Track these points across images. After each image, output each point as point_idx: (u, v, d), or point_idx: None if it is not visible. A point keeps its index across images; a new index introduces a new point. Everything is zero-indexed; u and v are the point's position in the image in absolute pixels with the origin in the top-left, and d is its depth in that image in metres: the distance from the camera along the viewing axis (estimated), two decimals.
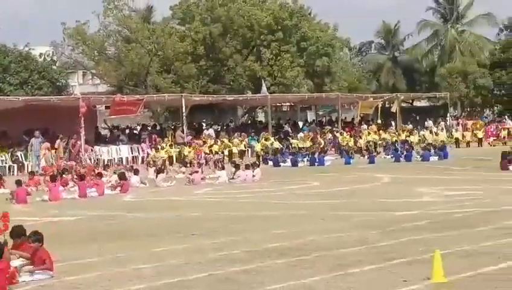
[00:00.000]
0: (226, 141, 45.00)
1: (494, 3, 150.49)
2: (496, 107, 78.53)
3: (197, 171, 32.12)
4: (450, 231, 15.77)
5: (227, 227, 17.67)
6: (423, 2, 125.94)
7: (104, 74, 61.33)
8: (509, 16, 78.43)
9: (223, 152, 42.69)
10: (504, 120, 62.11)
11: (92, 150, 40.55)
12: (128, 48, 56.77)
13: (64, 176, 30.72)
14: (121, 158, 42.46)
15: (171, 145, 42.78)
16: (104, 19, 57.07)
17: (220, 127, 54.68)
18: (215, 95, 53.97)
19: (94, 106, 45.94)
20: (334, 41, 64.51)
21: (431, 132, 53.29)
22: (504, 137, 53.99)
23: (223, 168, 32.98)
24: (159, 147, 42.31)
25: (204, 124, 52.85)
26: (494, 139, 53.75)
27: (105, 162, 39.89)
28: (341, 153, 44.16)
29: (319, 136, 48.41)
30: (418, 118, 58.36)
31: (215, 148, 43.36)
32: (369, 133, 50.32)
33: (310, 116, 72.28)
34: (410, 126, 54.91)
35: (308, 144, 46.89)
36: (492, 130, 56.10)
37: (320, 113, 73.56)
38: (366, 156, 41.99)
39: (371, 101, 56.05)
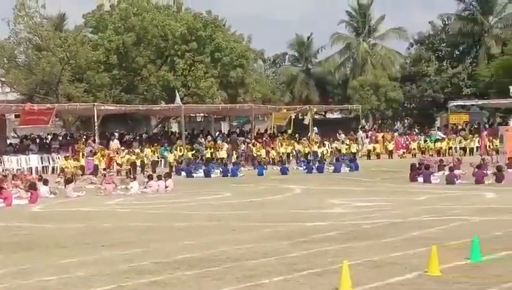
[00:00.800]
0: (138, 151, 44.61)
1: (405, 19, 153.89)
2: (406, 120, 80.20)
3: (108, 182, 31.74)
4: (359, 241, 15.95)
5: (138, 238, 17.48)
6: (336, 15, 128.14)
7: (14, 82, 59.97)
8: (419, 31, 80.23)
9: (134, 162, 42.39)
10: (414, 132, 63.35)
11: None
12: (39, 56, 55.71)
13: None
14: (31, 168, 41.69)
15: (82, 155, 42.22)
16: (14, 26, 55.87)
17: (133, 137, 54.25)
18: (127, 105, 53.52)
19: (3, 115, 44.97)
20: (248, 53, 64.65)
21: (343, 142, 53.95)
22: (414, 149, 54.98)
23: (134, 178, 32.71)
24: (69, 156, 41.74)
25: (116, 134, 52.21)
26: (403, 152, 54.72)
27: (15, 172, 39.03)
28: (254, 164, 44.34)
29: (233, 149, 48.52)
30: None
31: (126, 158, 42.95)
32: (281, 144, 50.58)
33: (224, 127, 72.43)
34: (318, 138, 55.30)
35: (224, 154, 46.95)
36: (402, 142, 57.12)
37: (234, 124, 73.77)
38: (278, 167, 42.23)
39: (284, 113, 56.42)
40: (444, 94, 70.98)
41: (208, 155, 47.04)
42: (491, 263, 13.25)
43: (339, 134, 57.31)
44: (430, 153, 52.72)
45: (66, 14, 69.22)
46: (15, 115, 53.04)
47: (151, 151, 45.19)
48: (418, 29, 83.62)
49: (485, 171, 31.76)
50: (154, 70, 60.64)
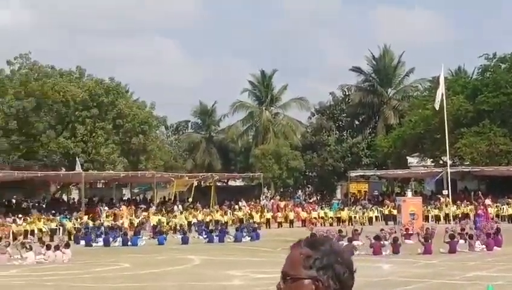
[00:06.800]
0: (35, 218, 43.72)
1: (306, 90, 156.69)
2: (307, 188, 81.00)
3: (3, 252, 30.84)
4: None
5: None
6: (240, 83, 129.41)
7: None
8: (320, 101, 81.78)
9: (31, 231, 41.47)
10: (314, 201, 63.93)
11: None
12: None
13: None
14: None
15: None
16: None
17: (31, 203, 53.14)
18: (25, 171, 52.30)
19: None
20: (151, 120, 64.31)
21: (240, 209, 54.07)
22: (315, 218, 55.24)
23: (30, 248, 31.86)
24: None
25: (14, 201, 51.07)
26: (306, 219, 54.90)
27: None
28: (155, 232, 43.89)
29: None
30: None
31: (23, 226, 42.02)
32: (181, 213, 50.33)
33: (126, 193, 71.72)
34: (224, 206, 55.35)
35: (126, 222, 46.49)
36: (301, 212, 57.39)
37: (136, 191, 73.10)
38: (179, 236, 41.91)
39: (186, 180, 56.42)
40: (344, 163, 72.14)
41: (108, 223, 46.37)
42: None
43: (240, 202, 57.57)
44: (330, 222, 53.12)
45: None
46: None
47: (48, 219, 44.24)
48: (319, 99, 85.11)
49: (382, 242, 32.10)
50: (54, 136, 59.56)
